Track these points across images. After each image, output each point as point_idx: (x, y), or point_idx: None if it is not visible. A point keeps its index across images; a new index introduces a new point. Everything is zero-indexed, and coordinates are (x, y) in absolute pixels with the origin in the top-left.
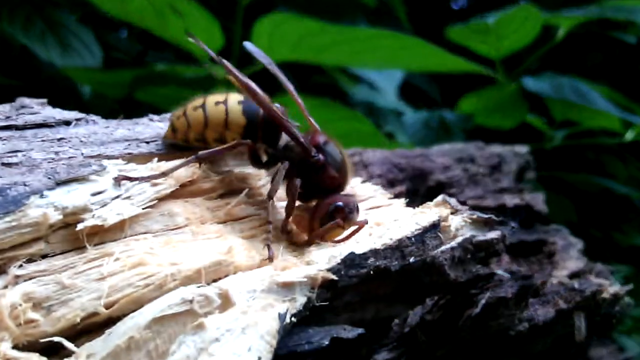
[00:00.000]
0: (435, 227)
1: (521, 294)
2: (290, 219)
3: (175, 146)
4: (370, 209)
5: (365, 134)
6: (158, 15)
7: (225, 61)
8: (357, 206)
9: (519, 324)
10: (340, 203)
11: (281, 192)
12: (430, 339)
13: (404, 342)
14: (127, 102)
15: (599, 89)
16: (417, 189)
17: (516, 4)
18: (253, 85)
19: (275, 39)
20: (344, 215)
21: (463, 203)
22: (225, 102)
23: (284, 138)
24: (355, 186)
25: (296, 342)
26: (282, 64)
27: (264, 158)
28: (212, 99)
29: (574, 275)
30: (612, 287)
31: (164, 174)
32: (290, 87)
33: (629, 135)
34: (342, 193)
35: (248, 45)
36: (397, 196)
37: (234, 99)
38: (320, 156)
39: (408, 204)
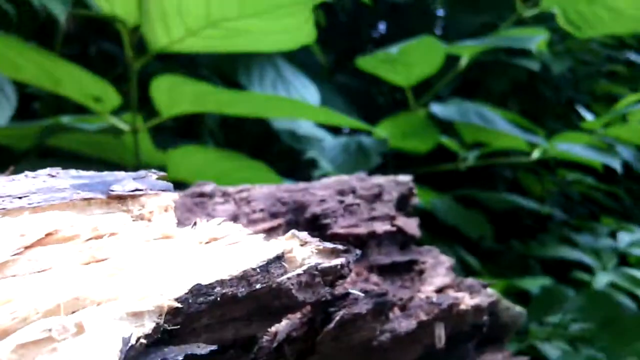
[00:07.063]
0: (279, 258)
1: (377, 310)
2: None
3: None
4: (228, 245)
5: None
6: (53, 81)
7: None
8: None
9: (381, 334)
10: None
11: None
12: (297, 353)
13: (273, 357)
14: (38, 151)
15: (503, 113)
16: (297, 220)
17: (420, 35)
18: None
19: (175, 95)
20: None
21: (333, 236)
22: None
23: None
24: (213, 228)
25: (152, 359)
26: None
27: None
28: None
29: (439, 291)
30: (472, 300)
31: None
32: None
33: (535, 155)
34: None
35: None
36: (273, 229)
37: None
38: None
39: (266, 238)
